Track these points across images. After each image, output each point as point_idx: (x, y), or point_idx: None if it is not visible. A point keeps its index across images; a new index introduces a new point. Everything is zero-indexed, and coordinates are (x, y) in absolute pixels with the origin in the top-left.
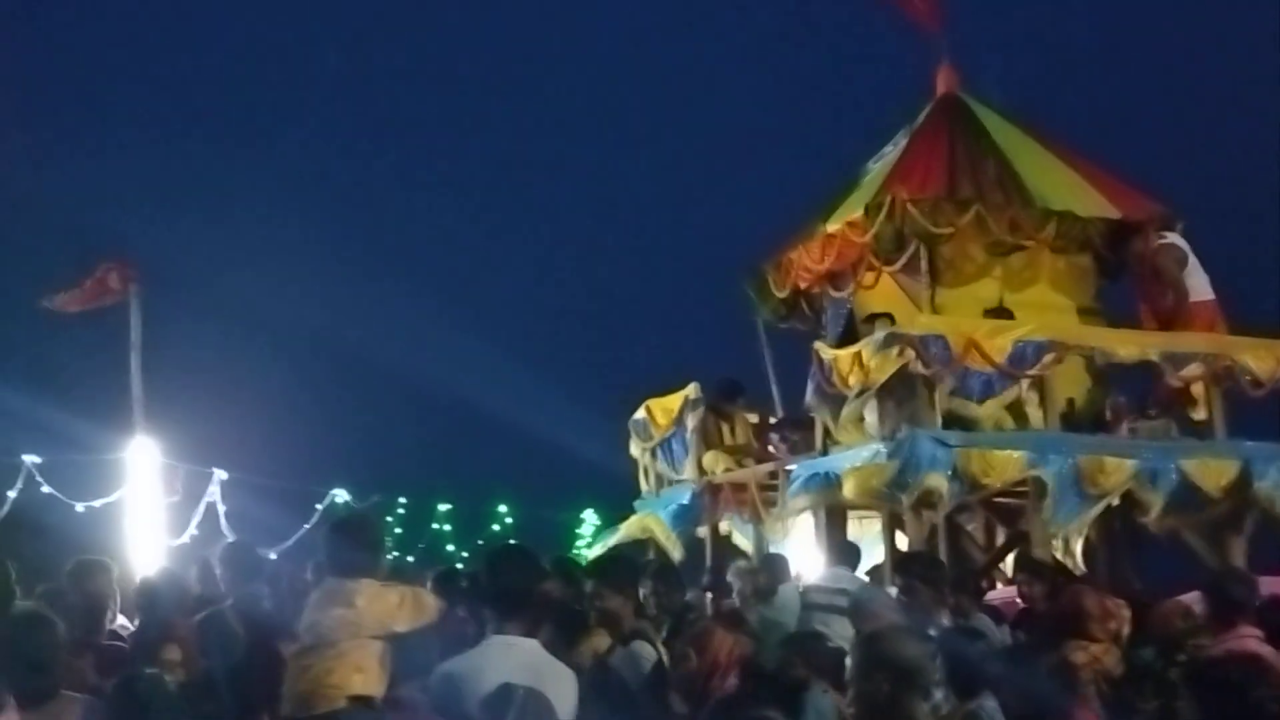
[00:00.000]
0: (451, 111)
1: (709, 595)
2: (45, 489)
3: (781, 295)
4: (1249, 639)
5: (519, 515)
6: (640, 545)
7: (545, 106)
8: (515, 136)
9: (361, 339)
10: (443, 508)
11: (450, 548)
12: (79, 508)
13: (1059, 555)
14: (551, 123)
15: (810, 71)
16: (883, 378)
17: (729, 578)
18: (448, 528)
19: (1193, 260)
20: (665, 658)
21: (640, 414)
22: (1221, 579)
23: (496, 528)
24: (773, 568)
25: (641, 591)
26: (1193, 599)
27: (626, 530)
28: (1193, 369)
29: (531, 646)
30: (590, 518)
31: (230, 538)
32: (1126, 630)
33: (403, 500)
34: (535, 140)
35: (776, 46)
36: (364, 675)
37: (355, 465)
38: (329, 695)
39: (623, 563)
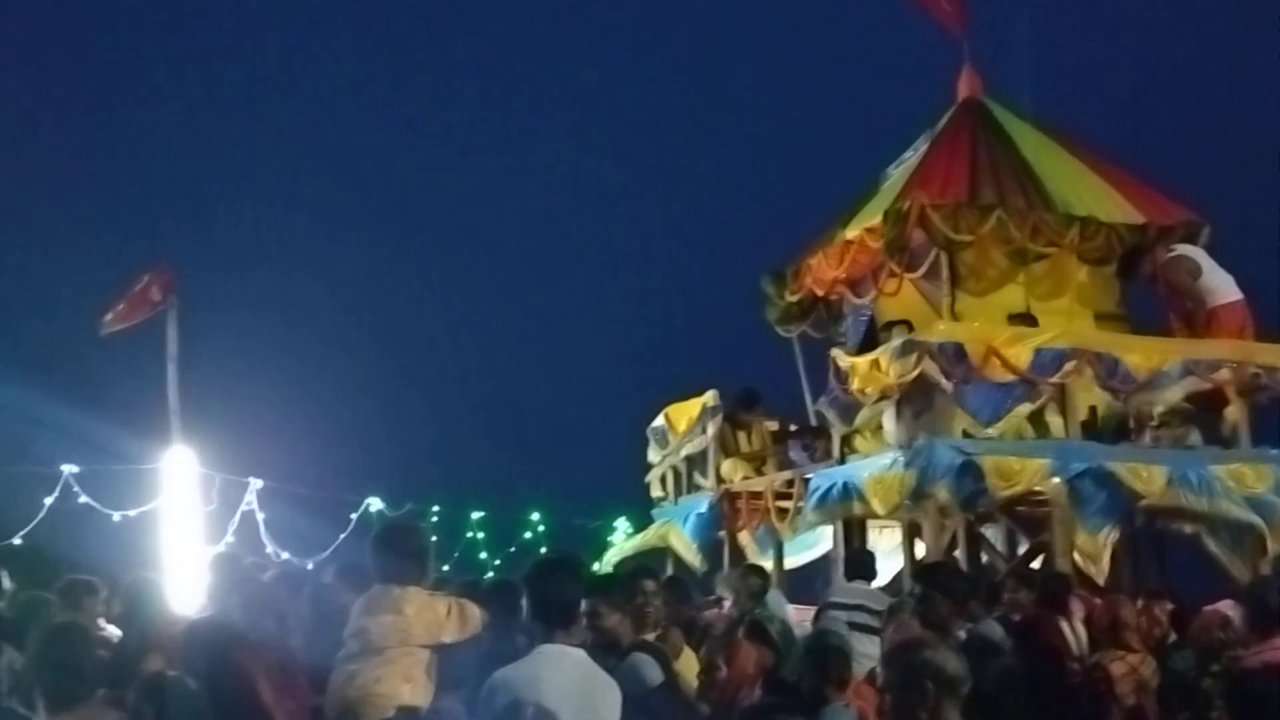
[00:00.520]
0: (488, 120)
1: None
2: (82, 498)
3: (794, 299)
4: None
5: (551, 524)
6: (658, 554)
7: (579, 117)
8: (552, 148)
9: (396, 349)
10: (476, 515)
11: (483, 555)
12: (115, 517)
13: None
14: (588, 135)
15: (834, 77)
16: (900, 385)
17: (718, 588)
18: (481, 536)
19: (1208, 265)
20: (669, 669)
21: (659, 421)
22: (1259, 588)
23: (529, 536)
24: (760, 573)
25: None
26: (1227, 606)
27: (644, 539)
28: (1221, 375)
29: (581, 657)
30: (623, 526)
31: (269, 546)
32: (1170, 638)
33: (436, 509)
34: (568, 152)
35: (801, 52)
36: (412, 685)
37: (390, 474)
38: (378, 704)
39: (621, 579)
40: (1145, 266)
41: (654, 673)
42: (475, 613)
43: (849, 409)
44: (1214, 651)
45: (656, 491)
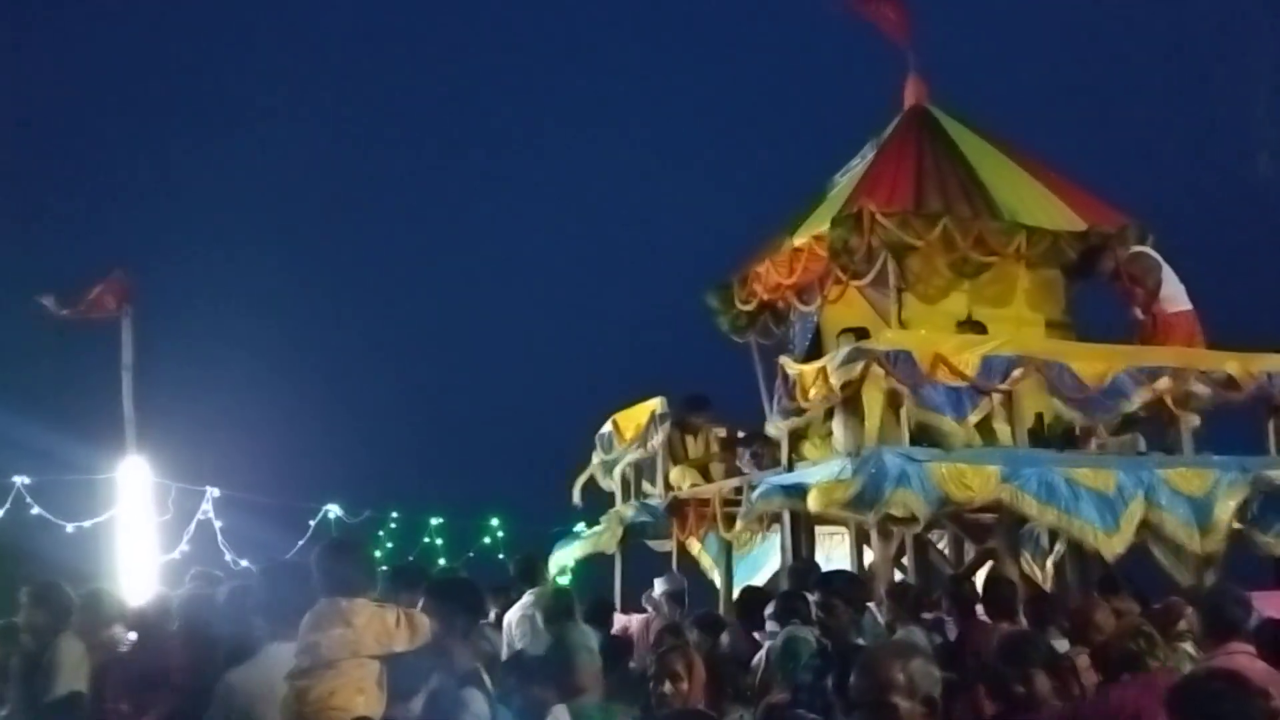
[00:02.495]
0: (442, 125)
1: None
2: (35, 509)
3: (745, 308)
4: (1239, 655)
5: (509, 529)
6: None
7: (531, 124)
8: (507, 156)
9: (353, 357)
10: (434, 522)
11: (441, 561)
12: (69, 528)
13: (1027, 570)
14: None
15: (779, 83)
16: (847, 393)
17: (645, 604)
18: (439, 542)
19: (1166, 270)
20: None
21: (606, 428)
22: (1216, 597)
23: (487, 541)
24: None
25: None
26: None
27: (594, 544)
28: (1162, 383)
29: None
30: (582, 531)
31: (227, 555)
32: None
33: (395, 515)
34: (522, 159)
35: (745, 59)
36: (366, 697)
37: (348, 481)
38: (333, 717)
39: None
40: (1107, 263)
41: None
42: (424, 622)
43: (800, 416)
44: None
45: (576, 496)
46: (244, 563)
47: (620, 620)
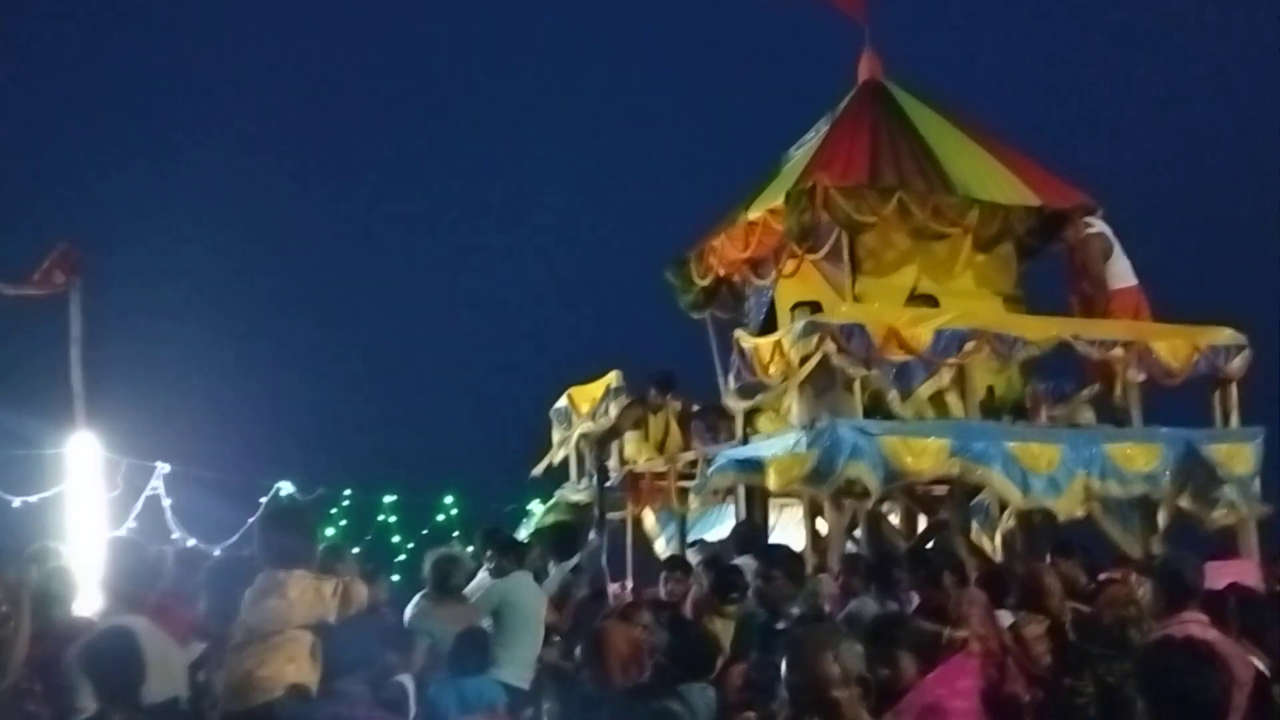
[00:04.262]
0: (396, 105)
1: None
2: None
3: (703, 283)
4: (1193, 624)
5: (465, 507)
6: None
7: (483, 101)
8: (453, 132)
9: (307, 331)
10: (388, 499)
11: (396, 539)
12: (15, 503)
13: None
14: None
15: (733, 57)
16: (803, 367)
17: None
18: (394, 520)
19: (1118, 248)
20: None
21: (562, 402)
22: (1174, 564)
23: (442, 519)
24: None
25: None
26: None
27: (551, 517)
28: (1114, 354)
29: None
30: (537, 509)
31: (175, 532)
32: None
33: (348, 492)
34: (472, 135)
35: (699, 32)
36: (297, 665)
37: (302, 457)
38: (263, 687)
39: None
40: (1066, 234)
41: None
42: (362, 591)
43: (756, 390)
44: (1120, 625)
45: (537, 470)
46: (191, 541)
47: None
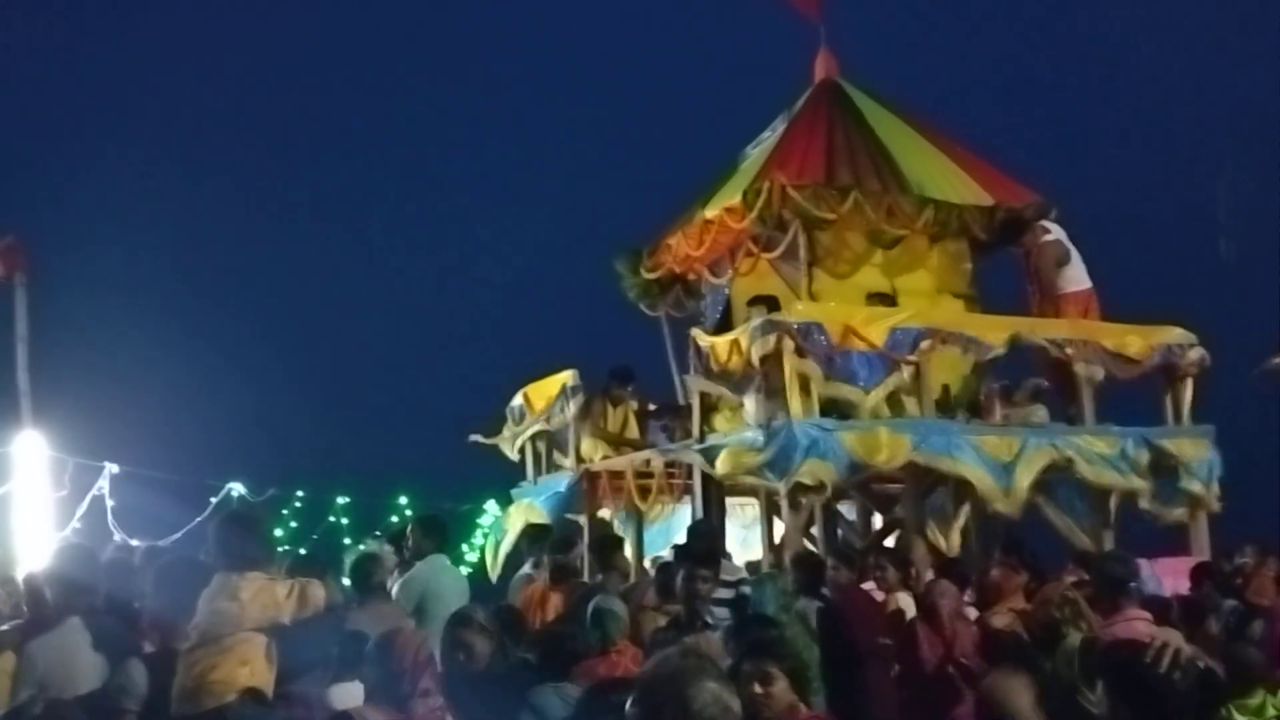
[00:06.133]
0: (345, 98)
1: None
2: None
3: (652, 276)
4: (1138, 621)
5: (418, 507)
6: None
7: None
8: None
9: (258, 331)
10: (341, 500)
11: (348, 541)
12: None
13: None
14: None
15: (689, 56)
16: (760, 365)
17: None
18: (345, 521)
19: (1075, 254)
20: None
21: (517, 400)
22: (1101, 560)
23: (395, 520)
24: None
25: None
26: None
27: (511, 522)
28: (1069, 352)
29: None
30: (492, 508)
31: (116, 534)
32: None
33: (300, 493)
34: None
35: (658, 30)
36: (250, 668)
37: (252, 458)
38: (215, 691)
39: None
40: (1026, 239)
41: None
42: (318, 593)
43: (712, 388)
44: (1048, 629)
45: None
46: (134, 541)
47: None
